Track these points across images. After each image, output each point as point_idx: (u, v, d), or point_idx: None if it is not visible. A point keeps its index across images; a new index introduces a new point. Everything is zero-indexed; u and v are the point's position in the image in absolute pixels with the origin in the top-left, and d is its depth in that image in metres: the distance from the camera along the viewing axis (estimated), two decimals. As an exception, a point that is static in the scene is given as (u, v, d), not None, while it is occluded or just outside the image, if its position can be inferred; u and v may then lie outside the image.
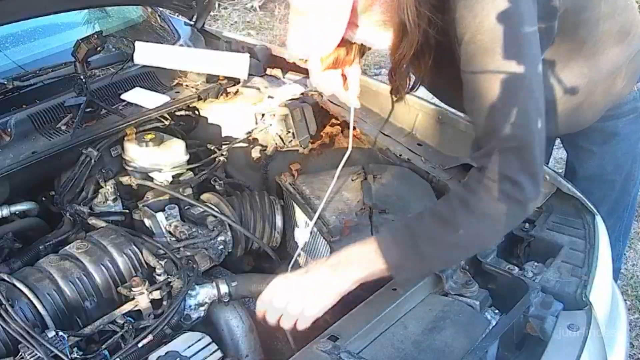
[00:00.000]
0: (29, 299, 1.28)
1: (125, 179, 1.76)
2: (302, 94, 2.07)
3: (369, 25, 1.25)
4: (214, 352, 1.26)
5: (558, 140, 2.05)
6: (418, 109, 1.90)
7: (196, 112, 2.08)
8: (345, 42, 1.32)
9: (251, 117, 2.02)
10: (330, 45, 1.24)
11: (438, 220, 1.16)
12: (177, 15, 2.52)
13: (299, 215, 1.67)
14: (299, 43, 1.25)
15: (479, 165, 1.16)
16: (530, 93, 1.11)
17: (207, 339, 1.28)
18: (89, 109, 1.80)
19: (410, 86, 1.46)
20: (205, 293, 1.39)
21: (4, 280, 1.31)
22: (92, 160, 1.72)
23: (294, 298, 1.19)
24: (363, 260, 1.18)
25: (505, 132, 1.10)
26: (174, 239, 1.58)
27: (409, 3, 1.16)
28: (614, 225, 1.85)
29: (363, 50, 1.49)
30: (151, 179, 1.77)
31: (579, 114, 1.60)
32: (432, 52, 1.28)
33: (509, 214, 1.13)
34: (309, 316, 1.19)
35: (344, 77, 1.53)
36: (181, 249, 1.55)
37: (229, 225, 1.63)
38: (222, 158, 1.89)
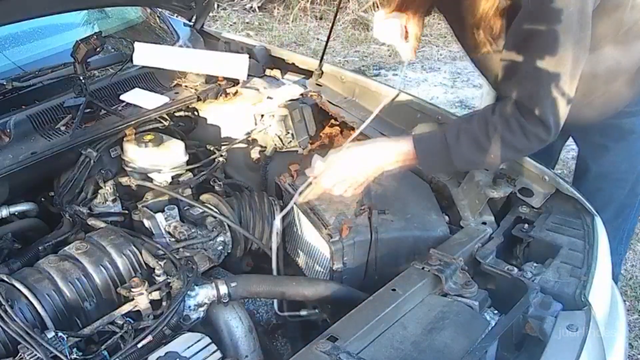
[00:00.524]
0: (28, 299, 1.28)
1: (124, 180, 1.76)
2: (302, 94, 2.07)
3: None
4: (213, 352, 1.26)
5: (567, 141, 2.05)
6: (417, 109, 1.90)
7: (195, 112, 2.08)
8: None
9: (250, 117, 2.02)
10: None
11: (474, 144, 1.37)
12: (177, 16, 2.52)
13: (299, 215, 1.67)
14: None
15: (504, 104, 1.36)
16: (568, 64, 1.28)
17: (207, 340, 1.28)
18: (88, 110, 1.80)
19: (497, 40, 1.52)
20: (204, 294, 1.39)
21: (3, 280, 1.31)
22: (92, 161, 1.72)
23: (345, 166, 1.43)
24: (398, 154, 1.43)
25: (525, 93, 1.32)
26: (173, 239, 1.58)
27: None
28: (619, 227, 1.85)
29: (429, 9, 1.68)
30: (150, 180, 1.77)
31: (601, 102, 1.61)
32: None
33: (532, 148, 1.40)
34: (358, 181, 1.44)
35: (405, 28, 1.65)
36: (180, 249, 1.55)
37: (228, 225, 1.63)
38: (221, 159, 1.89)
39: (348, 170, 1.44)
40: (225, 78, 2.08)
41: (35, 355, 1.15)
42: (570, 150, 3.25)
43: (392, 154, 1.44)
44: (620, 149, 1.72)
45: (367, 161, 1.44)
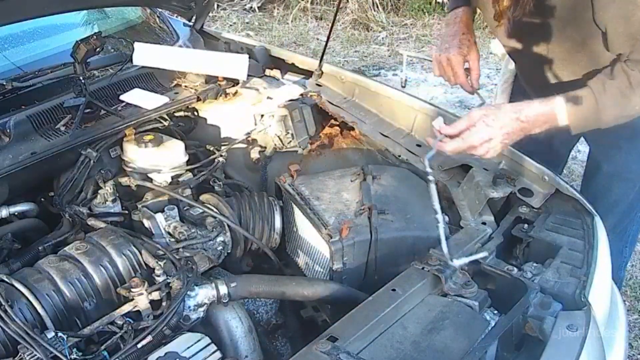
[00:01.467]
0: (28, 299, 1.28)
1: (124, 180, 1.76)
2: (301, 95, 2.07)
3: None
4: (213, 352, 1.26)
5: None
6: (417, 109, 1.91)
7: (195, 113, 2.08)
8: None
9: (250, 118, 2.02)
10: None
11: (620, 95, 1.40)
12: (176, 16, 2.52)
13: (298, 216, 1.67)
14: None
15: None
16: None
17: (207, 340, 1.28)
18: (88, 110, 1.80)
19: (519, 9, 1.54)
20: (204, 294, 1.39)
21: (3, 281, 1.31)
22: (91, 161, 1.72)
23: (494, 124, 1.39)
24: (553, 118, 1.42)
25: None
26: (173, 239, 1.58)
27: None
28: (625, 229, 1.85)
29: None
30: (150, 180, 1.77)
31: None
32: None
33: None
34: (504, 143, 1.42)
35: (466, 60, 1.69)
36: (180, 249, 1.55)
37: (228, 226, 1.63)
38: (221, 159, 1.88)
39: (496, 130, 1.40)
40: (225, 78, 2.08)
41: (35, 355, 1.15)
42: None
43: (540, 115, 1.42)
44: (632, 149, 1.73)
45: (516, 122, 1.41)
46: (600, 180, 1.81)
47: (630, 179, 1.78)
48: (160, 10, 2.46)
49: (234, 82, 2.09)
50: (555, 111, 1.42)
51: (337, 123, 2.04)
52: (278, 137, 1.96)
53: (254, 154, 2.00)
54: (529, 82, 1.91)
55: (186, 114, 2.04)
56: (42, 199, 1.74)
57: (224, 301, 1.40)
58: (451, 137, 1.43)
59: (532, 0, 1.47)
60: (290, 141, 1.96)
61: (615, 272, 1.94)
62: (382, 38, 5.93)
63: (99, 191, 1.68)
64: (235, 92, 2.09)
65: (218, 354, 1.27)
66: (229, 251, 1.65)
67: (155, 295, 1.34)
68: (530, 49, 1.70)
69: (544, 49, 1.65)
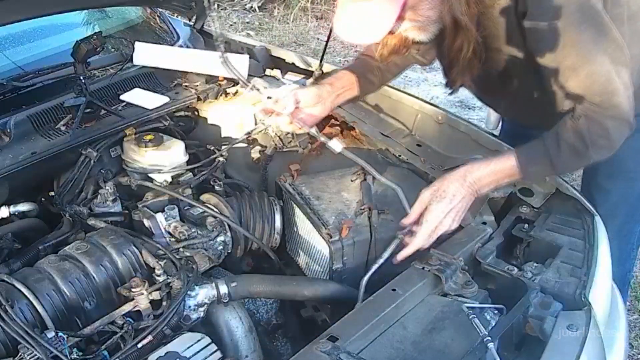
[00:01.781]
0: (28, 299, 1.28)
1: (124, 180, 1.76)
2: (302, 94, 2.07)
3: (415, 20, 1.37)
4: (213, 352, 1.26)
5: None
6: (417, 109, 1.90)
7: (195, 112, 2.08)
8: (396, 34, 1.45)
9: (250, 117, 2.02)
10: (382, 32, 1.34)
11: (574, 154, 1.39)
12: (177, 16, 2.52)
13: (299, 215, 1.67)
14: (352, 29, 1.36)
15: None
16: (608, 55, 1.33)
17: (207, 340, 1.28)
18: (88, 110, 1.80)
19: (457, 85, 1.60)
20: (204, 293, 1.39)
21: (3, 281, 1.31)
22: (92, 161, 1.72)
23: (444, 210, 1.40)
24: (499, 180, 1.43)
25: (590, 99, 1.35)
26: (173, 239, 1.58)
27: (461, 2, 1.33)
28: (631, 230, 1.84)
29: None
30: (150, 180, 1.77)
31: None
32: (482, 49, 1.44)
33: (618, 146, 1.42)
34: (464, 208, 1.42)
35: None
36: (180, 249, 1.55)
37: (229, 225, 1.63)
38: (221, 159, 1.88)
39: (448, 202, 1.40)
40: (225, 78, 2.08)
41: (35, 355, 1.15)
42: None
43: (486, 176, 1.42)
44: (627, 147, 1.72)
45: (464, 188, 1.41)
46: (598, 183, 1.80)
47: (629, 179, 1.77)
48: (160, 10, 2.46)
49: (234, 82, 2.09)
50: (505, 170, 1.42)
51: (337, 123, 2.04)
52: (278, 136, 1.96)
53: (255, 153, 2.00)
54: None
55: (186, 113, 2.04)
56: (43, 199, 1.74)
57: (224, 301, 1.41)
58: (414, 224, 1.43)
59: (478, 66, 1.48)
60: (291, 141, 1.96)
61: (624, 275, 1.94)
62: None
63: (100, 191, 1.68)
64: (236, 92, 2.09)
65: (218, 354, 1.27)
66: (229, 251, 1.65)
67: (156, 295, 1.34)
68: (492, 97, 1.79)
69: (503, 96, 1.70)
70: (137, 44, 2.05)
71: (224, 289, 1.40)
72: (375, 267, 1.38)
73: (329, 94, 1.66)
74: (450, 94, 1.68)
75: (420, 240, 1.39)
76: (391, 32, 1.37)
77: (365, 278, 1.37)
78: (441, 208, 1.40)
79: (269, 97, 2.04)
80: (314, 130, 1.57)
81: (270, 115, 1.62)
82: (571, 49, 1.34)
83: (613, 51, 1.34)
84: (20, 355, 1.16)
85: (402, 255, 1.39)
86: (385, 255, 1.39)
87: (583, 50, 1.34)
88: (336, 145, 1.54)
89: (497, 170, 1.42)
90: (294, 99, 1.58)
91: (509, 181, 1.46)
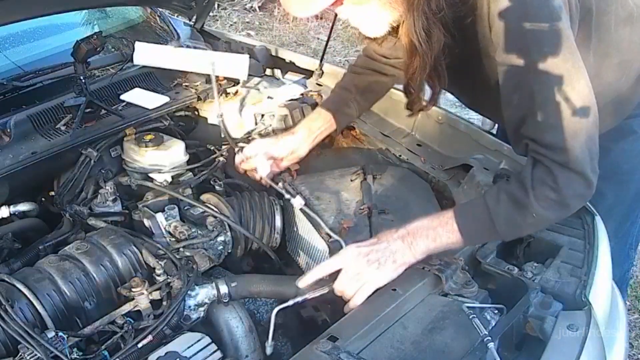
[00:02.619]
0: (28, 299, 1.28)
1: (124, 180, 1.76)
2: (302, 94, 2.07)
3: (356, 5, 1.32)
4: (213, 352, 1.26)
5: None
6: (417, 109, 1.90)
7: (196, 112, 2.08)
8: None
9: (251, 117, 2.02)
10: (316, 8, 1.28)
11: (515, 205, 1.25)
12: (177, 16, 2.52)
13: (299, 215, 1.67)
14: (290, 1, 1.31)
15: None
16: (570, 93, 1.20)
17: (207, 340, 1.28)
18: (88, 110, 1.80)
19: (431, 100, 1.53)
20: (204, 293, 1.39)
21: (3, 280, 1.31)
22: (92, 161, 1.72)
23: (362, 269, 1.27)
24: (437, 234, 1.29)
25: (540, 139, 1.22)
26: (173, 239, 1.58)
27: (417, 25, 1.26)
28: (627, 231, 1.84)
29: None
30: (151, 180, 1.77)
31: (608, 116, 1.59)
32: (444, 67, 1.37)
33: (573, 207, 1.27)
34: (373, 287, 1.27)
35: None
36: (181, 249, 1.55)
37: (229, 225, 1.63)
38: (221, 158, 1.88)
39: (378, 247, 1.31)
40: (225, 78, 2.08)
41: (36, 355, 1.15)
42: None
43: (434, 229, 1.30)
44: (620, 149, 1.72)
45: (406, 238, 1.30)
46: None
47: (624, 181, 1.76)
48: (161, 9, 2.46)
49: (235, 81, 2.09)
50: (441, 223, 1.29)
51: (338, 123, 2.04)
52: (278, 136, 1.96)
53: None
54: None
55: (186, 113, 2.04)
56: (43, 199, 1.74)
57: (225, 301, 1.40)
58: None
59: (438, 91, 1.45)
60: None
61: (622, 275, 1.94)
62: (383, 38, 5.92)
63: (100, 191, 1.68)
64: (236, 92, 2.09)
65: (218, 354, 1.27)
66: (229, 251, 1.65)
67: (156, 295, 1.34)
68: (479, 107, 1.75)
69: (486, 106, 1.67)
70: (137, 44, 2.05)
71: (224, 289, 1.40)
72: (290, 302, 1.30)
73: (305, 139, 1.73)
74: (410, 115, 1.64)
75: (357, 300, 1.28)
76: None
77: (276, 310, 1.27)
78: (361, 251, 1.30)
79: (269, 97, 2.05)
80: (280, 186, 1.57)
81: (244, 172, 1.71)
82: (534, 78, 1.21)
83: (578, 87, 1.21)
84: (21, 355, 1.16)
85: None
86: (307, 296, 1.31)
87: (544, 83, 1.21)
88: (298, 202, 1.52)
89: (434, 226, 1.29)
90: (265, 159, 1.66)
91: (451, 245, 1.29)
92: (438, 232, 1.29)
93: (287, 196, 1.51)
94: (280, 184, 1.54)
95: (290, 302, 1.30)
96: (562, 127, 1.20)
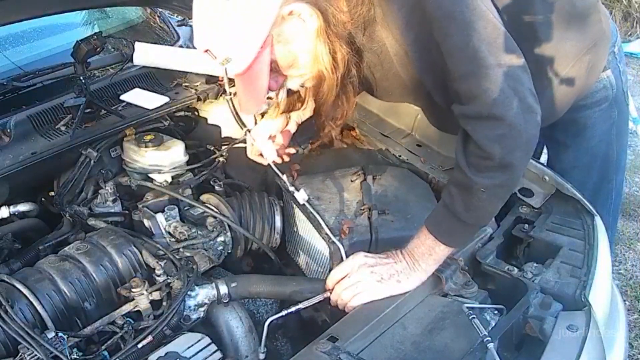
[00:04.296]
0: (28, 299, 1.28)
1: (124, 180, 1.76)
2: (302, 94, 2.07)
3: (298, 77, 1.38)
4: (213, 352, 1.26)
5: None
6: (417, 109, 1.90)
7: (196, 112, 2.08)
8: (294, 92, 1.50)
9: (250, 117, 2.02)
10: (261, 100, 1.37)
11: (463, 190, 1.23)
12: (177, 16, 2.52)
13: (299, 216, 1.67)
14: (243, 107, 1.41)
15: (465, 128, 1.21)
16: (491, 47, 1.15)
17: (207, 340, 1.28)
18: (88, 110, 1.80)
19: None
20: (204, 294, 1.39)
21: (3, 281, 1.31)
22: (92, 161, 1.72)
23: (364, 278, 1.29)
24: (427, 256, 1.29)
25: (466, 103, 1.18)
26: (173, 239, 1.58)
27: (322, 53, 1.28)
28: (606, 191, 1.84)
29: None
30: (151, 180, 1.77)
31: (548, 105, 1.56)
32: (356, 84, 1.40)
33: (516, 160, 1.19)
34: (369, 297, 1.28)
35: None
36: (181, 249, 1.55)
37: (229, 225, 1.63)
38: (221, 159, 1.89)
39: (379, 261, 1.32)
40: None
41: (35, 355, 1.15)
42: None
43: (423, 243, 1.30)
44: (578, 144, 1.74)
45: (406, 256, 1.32)
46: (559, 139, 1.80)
47: (585, 167, 1.77)
48: (160, 10, 2.46)
49: (234, 82, 2.09)
50: (425, 233, 1.30)
51: (337, 123, 2.04)
52: (278, 137, 1.96)
53: (255, 153, 1.99)
54: None
55: (186, 113, 2.04)
56: (43, 199, 1.74)
57: (225, 301, 1.41)
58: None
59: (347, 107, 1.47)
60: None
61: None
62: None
63: (100, 191, 1.68)
64: (236, 92, 2.08)
65: (218, 354, 1.27)
66: (229, 251, 1.65)
67: (156, 295, 1.34)
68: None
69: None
70: (137, 44, 2.05)
71: (224, 289, 1.40)
72: (284, 312, 1.32)
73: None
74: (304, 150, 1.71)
75: (337, 287, 1.32)
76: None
77: (269, 320, 1.30)
78: (368, 261, 1.32)
79: (269, 98, 2.04)
80: (285, 178, 1.54)
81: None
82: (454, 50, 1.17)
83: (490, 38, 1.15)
84: (20, 356, 1.16)
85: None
86: (301, 305, 1.33)
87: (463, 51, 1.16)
88: (302, 196, 1.49)
89: (420, 242, 1.30)
90: (266, 139, 1.68)
91: (445, 253, 1.30)
92: (423, 250, 1.29)
93: (291, 189, 1.51)
94: (285, 176, 1.53)
95: (284, 313, 1.33)
96: (472, 72, 1.14)
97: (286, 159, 1.74)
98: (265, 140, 1.68)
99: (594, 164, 1.78)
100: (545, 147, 1.97)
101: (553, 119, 1.64)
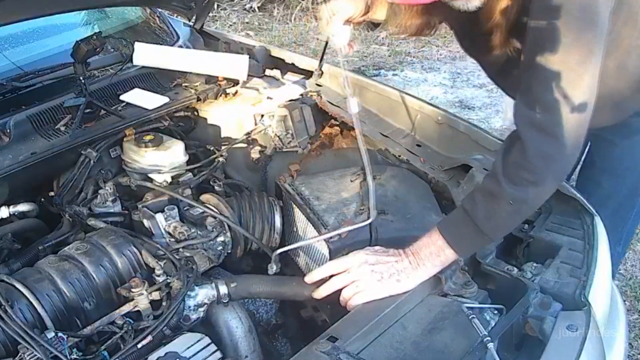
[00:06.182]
0: (28, 299, 1.28)
1: (124, 180, 1.76)
2: (301, 94, 2.07)
3: None
4: (213, 352, 1.26)
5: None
6: (417, 109, 1.91)
7: (195, 113, 2.08)
8: None
9: (250, 118, 2.02)
10: None
11: (490, 198, 1.24)
12: (176, 16, 2.52)
13: (298, 216, 1.67)
14: None
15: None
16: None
17: (207, 340, 1.28)
18: (88, 110, 1.80)
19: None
20: (204, 294, 1.39)
21: (3, 281, 1.31)
22: (92, 161, 1.72)
23: (364, 277, 1.29)
24: (435, 256, 1.29)
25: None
26: (173, 239, 1.58)
27: None
28: (616, 226, 1.85)
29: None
30: (150, 180, 1.77)
31: (612, 107, 1.59)
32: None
33: (549, 182, 1.24)
34: (368, 297, 1.28)
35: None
36: (180, 249, 1.55)
37: (228, 226, 1.63)
38: (221, 159, 1.89)
39: (381, 258, 1.32)
40: (225, 78, 2.08)
41: (35, 355, 1.14)
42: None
43: (430, 245, 1.30)
44: (625, 146, 1.74)
45: (410, 257, 1.32)
46: (591, 176, 1.82)
47: (621, 175, 1.78)
48: (160, 10, 2.46)
49: (234, 82, 2.09)
50: (433, 237, 1.30)
51: (337, 123, 2.04)
52: (278, 137, 1.96)
53: (254, 154, 2.00)
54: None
55: (186, 114, 2.04)
56: (42, 199, 1.74)
57: (224, 301, 1.41)
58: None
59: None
60: (290, 141, 1.96)
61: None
62: (382, 38, 5.92)
63: (99, 191, 1.68)
64: (236, 92, 2.09)
65: (218, 354, 1.27)
66: (229, 251, 1.65)
67: (156, 295, 1.34)
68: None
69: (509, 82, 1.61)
70: (137, 44, 2.05)
71: (223, 289, 1.40)
72: (293, 246, 1.43)
73: None
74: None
75: (336, 279, 1.33)
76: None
77: (278, 251, 1.38)
78: (369, 259, 1.32)
79: (269, 98, 2.05)
80: (344, 76, 1.48)
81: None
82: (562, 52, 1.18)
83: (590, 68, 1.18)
84: (20, 356, 1.16)
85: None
86: (310, 240, 1.40)
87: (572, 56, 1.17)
88: (354, 105, 1.43)
89: (428, 244, 1.30)
90: (341, 23, 1.53)
91: (451, 259, 1.30)
92: (432, 250, 1.30)
93: (347, 92, 1.45)
94: (342, 78, 1.49)
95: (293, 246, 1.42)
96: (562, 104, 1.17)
97: (355, 48, 1.60)
98: (341, 22, 1.54)
99: (631, 173, 1.78)
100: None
101: (605, 124, 1.66)
